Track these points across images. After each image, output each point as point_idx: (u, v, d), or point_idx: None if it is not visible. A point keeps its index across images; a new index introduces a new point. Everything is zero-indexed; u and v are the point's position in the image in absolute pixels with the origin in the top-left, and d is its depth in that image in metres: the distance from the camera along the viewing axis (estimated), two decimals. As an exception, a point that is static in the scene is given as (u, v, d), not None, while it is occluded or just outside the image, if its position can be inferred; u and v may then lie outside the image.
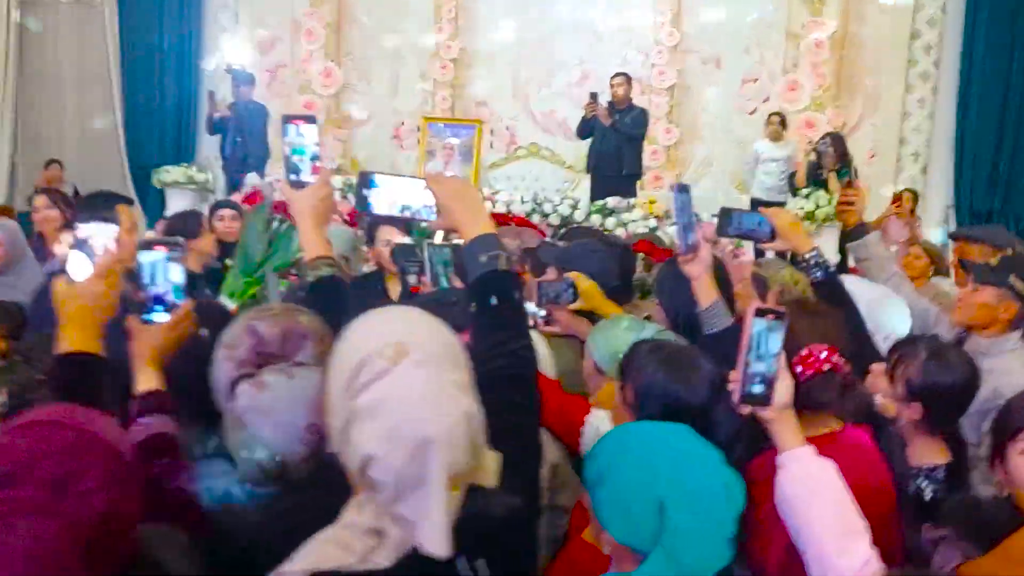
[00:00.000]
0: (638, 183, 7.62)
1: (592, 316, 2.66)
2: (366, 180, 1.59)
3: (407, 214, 1.60)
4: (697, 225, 2.20)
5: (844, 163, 6.98)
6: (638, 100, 7.96)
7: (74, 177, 9.98)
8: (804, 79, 8.79)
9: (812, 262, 2.36)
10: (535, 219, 6.61)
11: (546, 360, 2.34)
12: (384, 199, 1.58)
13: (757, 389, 1.57)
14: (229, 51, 8.89)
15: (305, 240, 1.77)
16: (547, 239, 4.56)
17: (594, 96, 7.42)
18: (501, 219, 4.78)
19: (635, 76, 8.01)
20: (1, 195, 10.82)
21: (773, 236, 2.36)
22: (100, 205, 3.09)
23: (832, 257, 6.64)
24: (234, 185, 7.39)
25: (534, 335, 1.70)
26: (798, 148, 8.11)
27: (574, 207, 6.79)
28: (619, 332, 2.26)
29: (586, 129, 7.58)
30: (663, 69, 9.15)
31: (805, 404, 1.65)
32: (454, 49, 9.50)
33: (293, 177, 1.75)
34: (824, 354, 1.72)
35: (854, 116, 9.09)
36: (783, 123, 8.11)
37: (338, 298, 1.74)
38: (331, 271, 1.76)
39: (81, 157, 10.75)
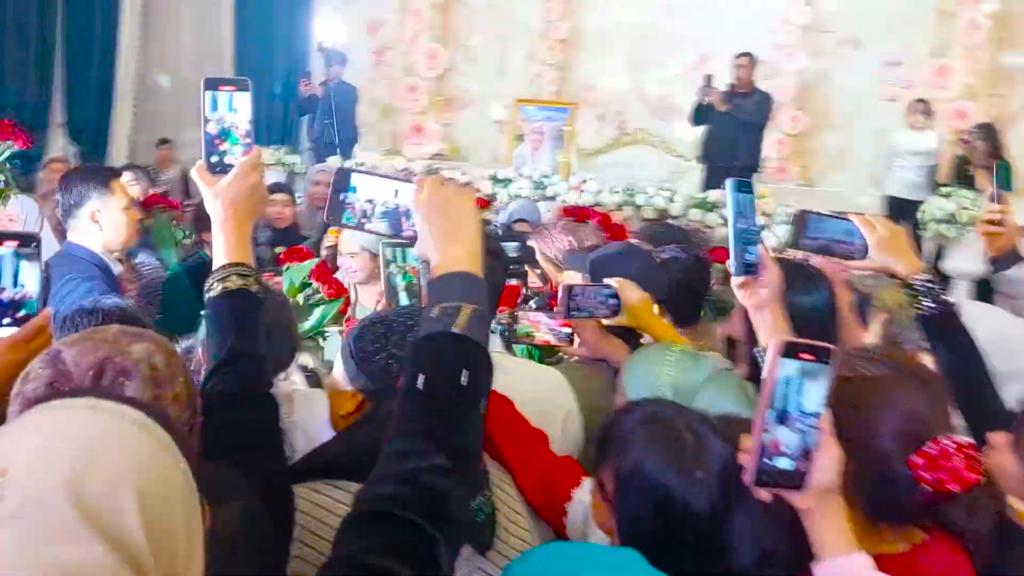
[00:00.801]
0: (756, 176, 6.86)
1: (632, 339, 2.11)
2: (343, 181, 1.22)
3: (379, 228, 1.23)
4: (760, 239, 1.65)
5: (999, 160, 6.00)
6: (762, 84, 7.19)
7: (186, 157, 10.07)
8: (956, 63, 7.75)
9: (921, 290, 1.71)
10: (627, 211, 6.01)
11: (561, 394, 1.82)
12: (362, 207, 1.22)
13: (783, 463, 1.12)
14: (324, 30, 8.65)
15: (218, 241, 1.37)
16: (632, 237, 3.95)
17: (708, 79, 6.74)
18: (569, 212, 4.25)
19: (761, 58, 7.23)
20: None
21: (866, 252, 1.75)
22: (93, 178, 2.86)
23: (975, 268, 5.74)
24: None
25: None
26: (943, 141, 7.13)
27: (670, 199, 6.13)
28: (662, 366, 1.74)
29: (700, 115, 6.92)
30: (792, 50, 8.28)
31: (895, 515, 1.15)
32: (564, 29, 8.97)
33: (214, 159, 1.37)
34: (964, 458, 1.17)
35: (1013, 107, 7.94)
36: (928, 112, 7.14)
37: (243, 321, 1.34)
38: (241, 283, 1.33)
39: (195, 137, 10.80)
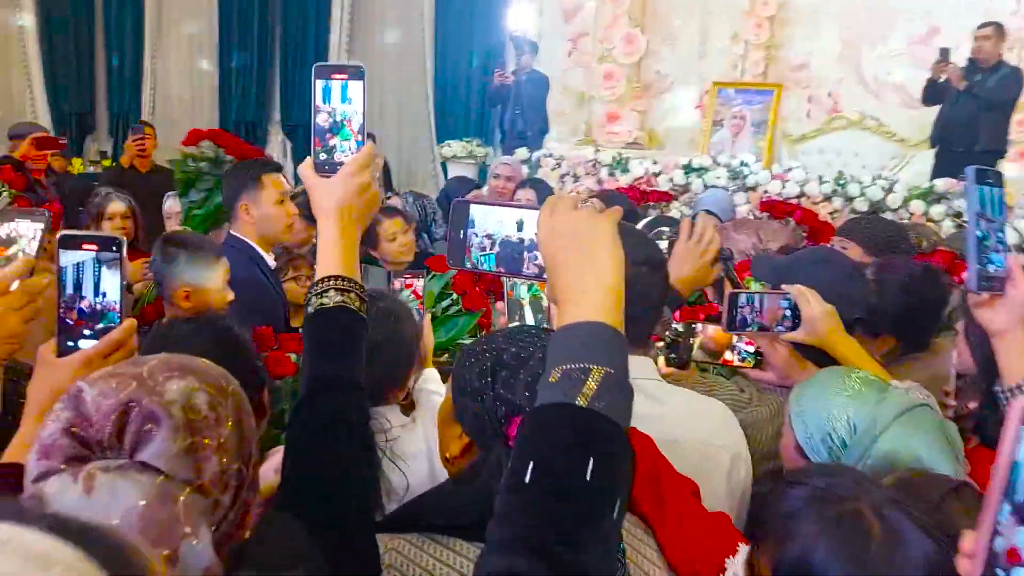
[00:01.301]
0: (1000, 162, 6.00)
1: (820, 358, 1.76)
2: (462, 215, 1.08)
3: (502, 268, 1.08)
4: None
5: None
6: (1009, 57, 6.29)
7: (388, 151, 10.39)
8: None
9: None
10: (836, 203, 5.42)
11: (728, 432, 1.54)
12: (480, 243, 1.07)
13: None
14: (519, 19, 8.55)
15: (322, 249, 1.23)
16: (837, 235, 3.47)
17: (945, 53, 5.98)
18: (767, 205, 3.81)
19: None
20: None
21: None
22: (244, 172, 2.95)
23: None
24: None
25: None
26: None
27: (888, 189, 5.45)
28: (839, 398, 1.42)
29: (934, 93, 6.19)
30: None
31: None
32: (771, 5, 8.32)
33: (322, 156, 1.26)
34: None
35: None
36: None
37: (340, 343, 1.18)
38: (340, 299, 1.18)
39: (397, 131, 11.18)
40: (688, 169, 5.98)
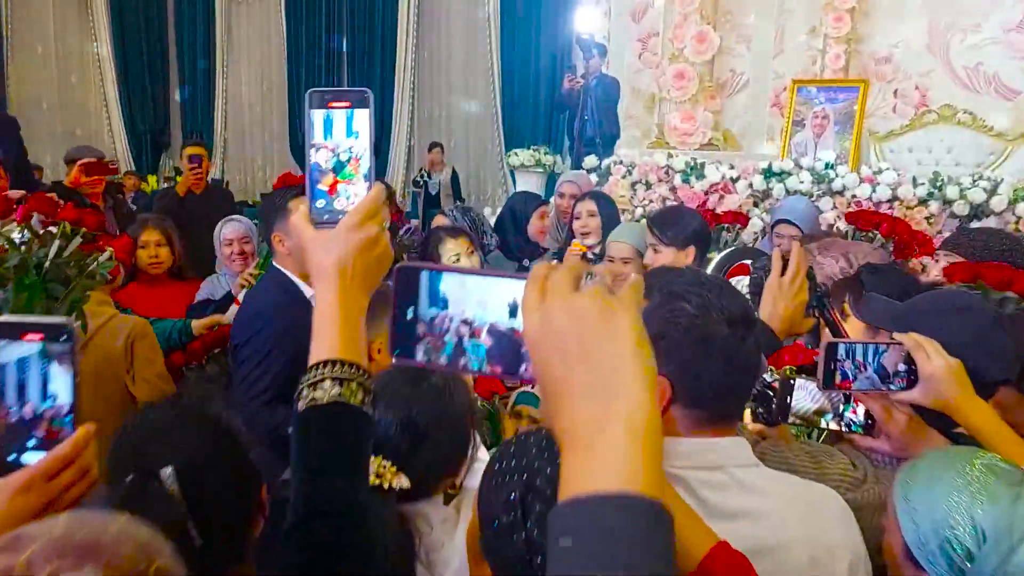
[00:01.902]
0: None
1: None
2: (409, 287, 0.79)
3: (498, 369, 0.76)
4: None
5: None
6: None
7: (456, 160, 10.29)
8: None
9: None
10: (933, 207, 5.04)
11: (843, 529, 1.30)
12: (453, 332, 0.77)
13: None
14: (586, 21, 8.33)
15: (318, 323, 1.00)
16: (945, 248, 3.14)
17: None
18: (854, 216, 3.49)
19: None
20: (400, 171, 11.65)
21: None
22: (275, 202, 2.84)
23: None
24: (578, 169, 6.81)
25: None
26: None
27: (991, 191, 5.05)
28: (962, 494, 1.16)
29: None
30: None
31: None
32: (852, -4, 7.90)
33: (320, 203, 1.05)
34: None
35: None
36: None
37: (338, 454, 0.95)
38: (337, 392, 0.94)
39: (465, 139, 11.09)
40: (768, 173, 5.66)
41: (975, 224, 4.95)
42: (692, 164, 5.80)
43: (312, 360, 0.98)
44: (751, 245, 3.87)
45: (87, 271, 2.33)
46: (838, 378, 1.49)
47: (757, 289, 1.76)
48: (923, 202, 5.12)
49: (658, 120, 9.39)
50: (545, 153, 7.51)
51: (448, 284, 0.76)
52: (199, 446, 1.19)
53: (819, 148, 6.16)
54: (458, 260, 3.28)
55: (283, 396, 2.48)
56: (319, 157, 1.04)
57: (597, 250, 3.76)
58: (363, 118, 1.04)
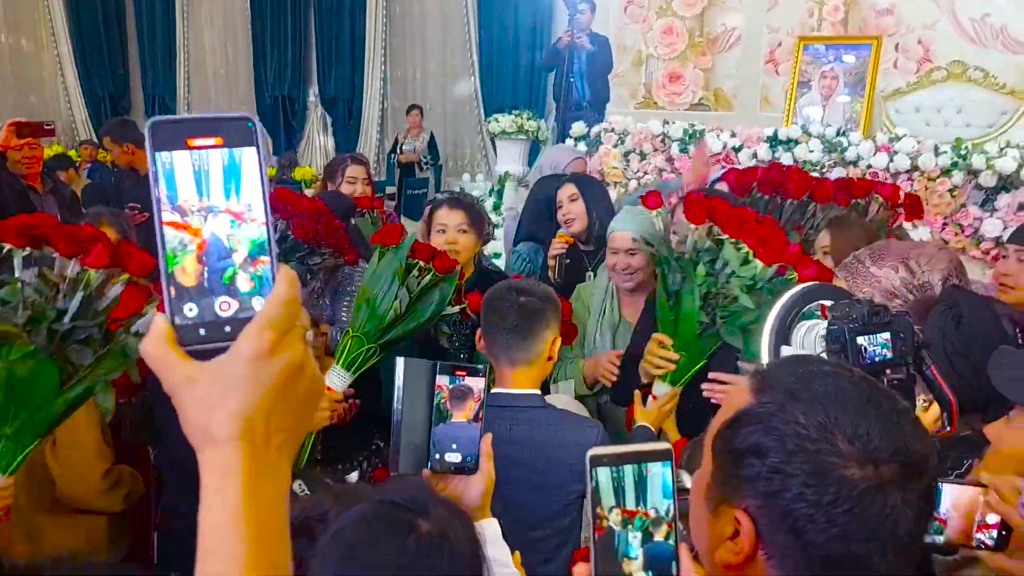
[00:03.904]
0: None
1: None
2: None
3: None
4: None
5: None
6: None
7: (432, 126, 9.79)
8: None
9: None
10: (956, 178, 4.65)
11: None
12: None
13: None
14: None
15: (210, 532, 0.59)
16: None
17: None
18: (862, 186, 2.96)
19: None
20: (374, 136, 11.14)
21: None
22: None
23: None
24: (564, 136, 6.32)
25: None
26: None
27: (1022, 159, 4.65)
28: None
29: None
30: None
31: None
32: (851, -56, 7.45)
33: (191, 314, 0.62)
34: None
35: None
36: None
37: None
38: None
39: (441, 104, 10.62)
40: (774, 142, 5.23)
41: (1003, 197, 4.57)
42: (690, 132, 5.35)
43: None
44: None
45: (116, 340, 1.67)
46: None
47: (838, 346, 1.32)
48: (946, 172, 4.72)
49: (645, 80, 8.94)
50: (528, 118, 7.02)
51: None
52: None
53: (827, 112, 5.73)
54: (444, 232, 2.85)
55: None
56: (174, 235, 0.61)
57: (584, 238, 3.37)
58: (250, 161, 0.63)
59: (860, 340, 1.28)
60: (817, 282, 1.78)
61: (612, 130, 5.82)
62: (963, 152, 4.83)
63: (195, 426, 0.59)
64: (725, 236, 2.19)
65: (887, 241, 2.26)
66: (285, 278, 0.61)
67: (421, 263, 2.26)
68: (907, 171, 4.79)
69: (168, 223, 0.61)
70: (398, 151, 9.12)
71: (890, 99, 6.75)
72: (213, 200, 0.62)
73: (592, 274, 3.17)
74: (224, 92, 12.58)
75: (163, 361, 0.60)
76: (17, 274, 1.64)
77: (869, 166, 4.88)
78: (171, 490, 2.36)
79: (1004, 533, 1.20)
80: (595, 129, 5.84)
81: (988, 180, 4.61)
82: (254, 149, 0.63)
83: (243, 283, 0.62)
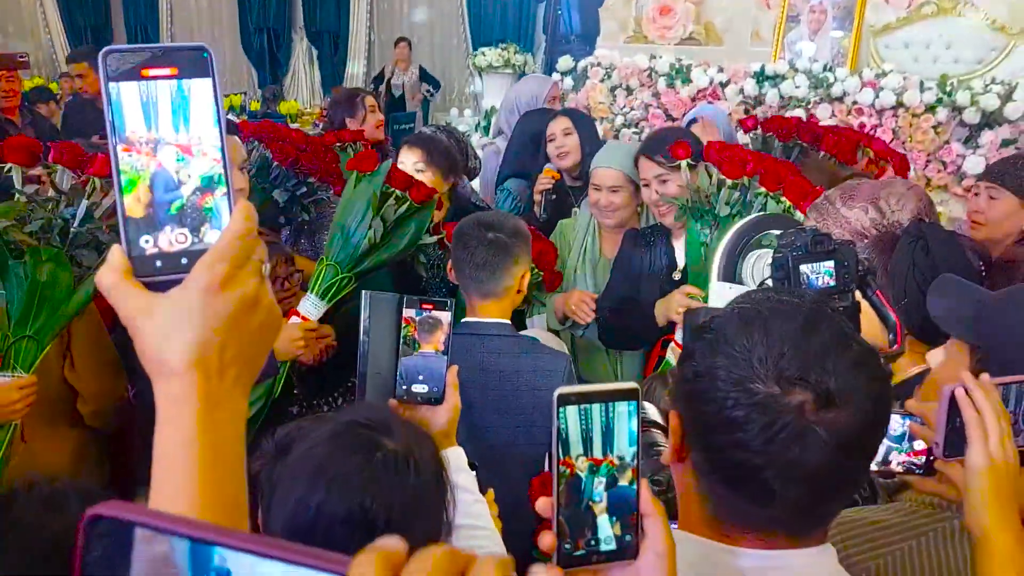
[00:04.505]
0: None
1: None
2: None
3: None
4: None
5: None
6: None
7: (419, 59, 9.64)
8: None
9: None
10: (940, 114, 4.65)
11: None
12: None
13: None
14: None
15: (165, 459, 0.60)
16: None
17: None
18: (837, 137, 2.98)
19: None
20: (360, 70, 10.97)
21: None
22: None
23: None
24: (552, 70, 6.24)
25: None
26: None
27: (1006, 97, 4.64)
28: None
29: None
30: None
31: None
32: None
33: (145, 245, 0.63)
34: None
35: None
36: None
37: None
38: None
39: (428, 36, 10.44)
40: (761, 77, 5.19)
41: (986, 134, 4.57)
42: (677, 67, 5.30)
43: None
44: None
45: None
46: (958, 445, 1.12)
47: (782, 274, 1.36)
48: (930, 109, 4.71)
49: (636, 13, 8.80)
50: (515, 52, 6.91)
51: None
52: None
53: (817, 47, 5.66)
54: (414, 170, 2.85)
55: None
56: (137, 161, 0.62)
57: (576, 172, 3.37)
58: (203, 93, 0.64)
59: (803, 268, 1.32)
60: (768, 213, 1.81)
61: (599, 64, 5.75)
62: (948, 89, 4.81)
63: (150, 357, 0.61)
64: (762, 189, 2.21)
65: (857, 181, 2.28)
66: (241, 212, 0.62)
67: (397, 192, 2.27)
68: (892, 108, 4.77)
69: (126, 154, 0.63)
70: (385, 84, 9.00)
71: (880, 34, 6.67)
72: (162, 132, 0.63)
73: (578, 211, 3.19)
74: (207, 24, 12.33)
75: (118, 291, 0.61)
76: (22, 188, 1.88)
77: (855, 102, 4.86)
78: (146, 423, 2.43)
79: (931, 458, 1.25)
80: (582, 63, 5.77)
81: (972, 117, 4.61)
82: (209, 80, 0.63)
83: (195, 216, 0.63)
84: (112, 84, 0.61)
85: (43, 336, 1.89)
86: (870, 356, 0.88)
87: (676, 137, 2.69)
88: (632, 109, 5.46)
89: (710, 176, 2.44)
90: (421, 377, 1.43)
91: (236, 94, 9.85)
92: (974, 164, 4.48)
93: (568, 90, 5.76)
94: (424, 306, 1.43)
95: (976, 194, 2.63)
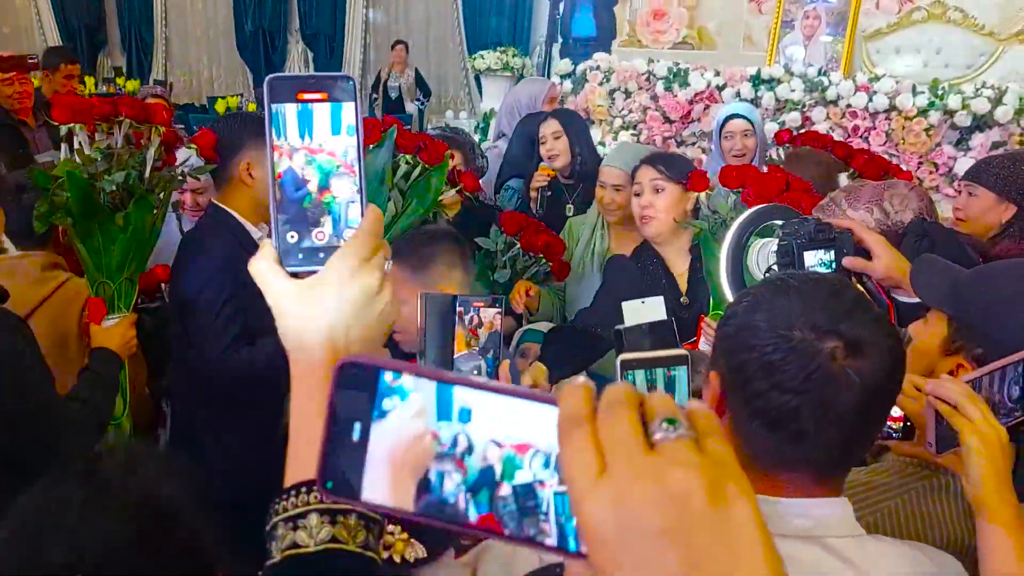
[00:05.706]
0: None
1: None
2: (361, 385, 0.50)
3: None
4: None
5: None
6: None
7: (415, 62, 9.72)
8: None
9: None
10: (932, 117, 4.78)
11: None
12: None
13: None
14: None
15: (298, 419, 0.72)
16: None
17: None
18: (797, 139, 3.12)
19: None
20: (356, 74, 11.03)
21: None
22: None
23: None
24: (549, 73, 6.34)
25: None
26: None
27: (998, 100, 4.77)
28: None
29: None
30: None
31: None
32: None
33: (293, 241, 0.74)
34: None
35: None
36: None
37: None
38: (330, 535, 0.66)
39: (424, 38, 10.49)
40: (757, 81, 5.32)
41: (977, 136, 4.71)
42: (675, 71, 5.41)
43: (288, 480, 0.69)
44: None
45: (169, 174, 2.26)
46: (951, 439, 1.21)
47: (787, 259, 1.48)
48: (922, 112, 4.84)
49: (629, 17, 8.91)
50: (514, 55, 7.00)
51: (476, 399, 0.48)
52: (119, 529, 0.91)
53: (810, 52, 5.80)
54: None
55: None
56: (294, 162, 0.72)
57: (567, 173, 3.48)
58: (350, 114, 0.74)
59: (807, 254, 1.44)
60: (770, 204, 1.92)
61: (597, 68, 5.86)
62: (940, 93, 4.95)
63: (290, 333, 0.72)
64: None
65: (860, 183, 2.39)
66: (370, 215, 0.74)
67: (407, 158, 2.34)
68: (885, 111, 4.90)
69: (281, 157, 0.73)
70: (382, 87, 9.08)
71: (871, 39, 6.82)
72: (322, 139, 0.73)
73: (571, 207, 3.31)
74: (202, 25, 12.37)
75: (265, 276, 0.73)
76: (85, 148, 2.12)
77: (848, 105, 4.99)
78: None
79: (908, 424, 1.38)
80: (581, 67, 5.87)
81: (963, 120, 4.74)
82: (353, 103, 0.74)
83: (338, 219, 0.74)
84: (274, 105, 0.72)
85: (135, 277, 2.21)
86: (886, 317, 1.01)
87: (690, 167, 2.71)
88: (631, 112, 5.57)
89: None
90: (475, 374, 1.52)
91: (232, 96, 9.91)
92: (965, 166, 4.61)
93: (568, 93, 5.86)
94: (476, 305, 1.53)
95: (959, 192, 2.77)
